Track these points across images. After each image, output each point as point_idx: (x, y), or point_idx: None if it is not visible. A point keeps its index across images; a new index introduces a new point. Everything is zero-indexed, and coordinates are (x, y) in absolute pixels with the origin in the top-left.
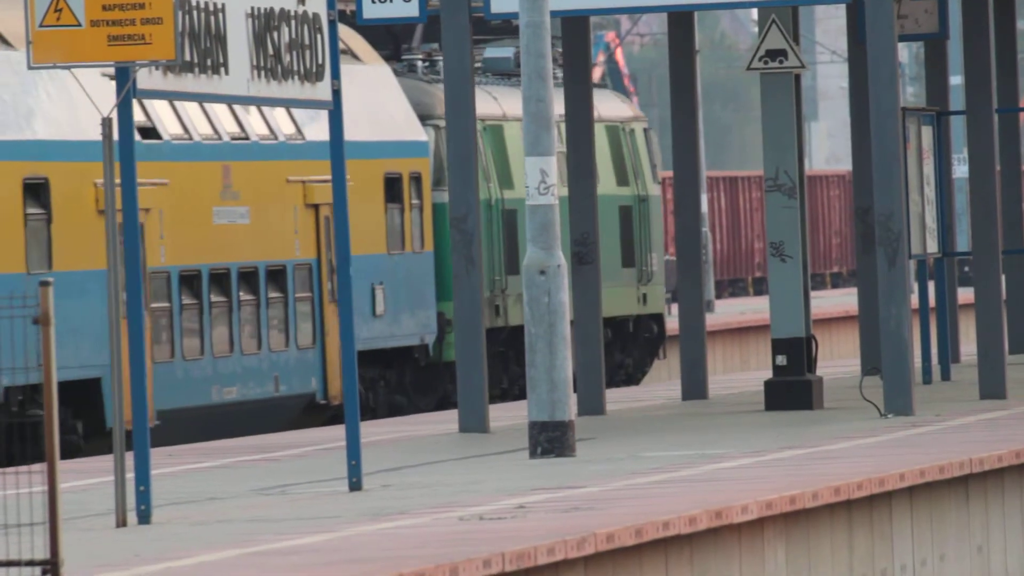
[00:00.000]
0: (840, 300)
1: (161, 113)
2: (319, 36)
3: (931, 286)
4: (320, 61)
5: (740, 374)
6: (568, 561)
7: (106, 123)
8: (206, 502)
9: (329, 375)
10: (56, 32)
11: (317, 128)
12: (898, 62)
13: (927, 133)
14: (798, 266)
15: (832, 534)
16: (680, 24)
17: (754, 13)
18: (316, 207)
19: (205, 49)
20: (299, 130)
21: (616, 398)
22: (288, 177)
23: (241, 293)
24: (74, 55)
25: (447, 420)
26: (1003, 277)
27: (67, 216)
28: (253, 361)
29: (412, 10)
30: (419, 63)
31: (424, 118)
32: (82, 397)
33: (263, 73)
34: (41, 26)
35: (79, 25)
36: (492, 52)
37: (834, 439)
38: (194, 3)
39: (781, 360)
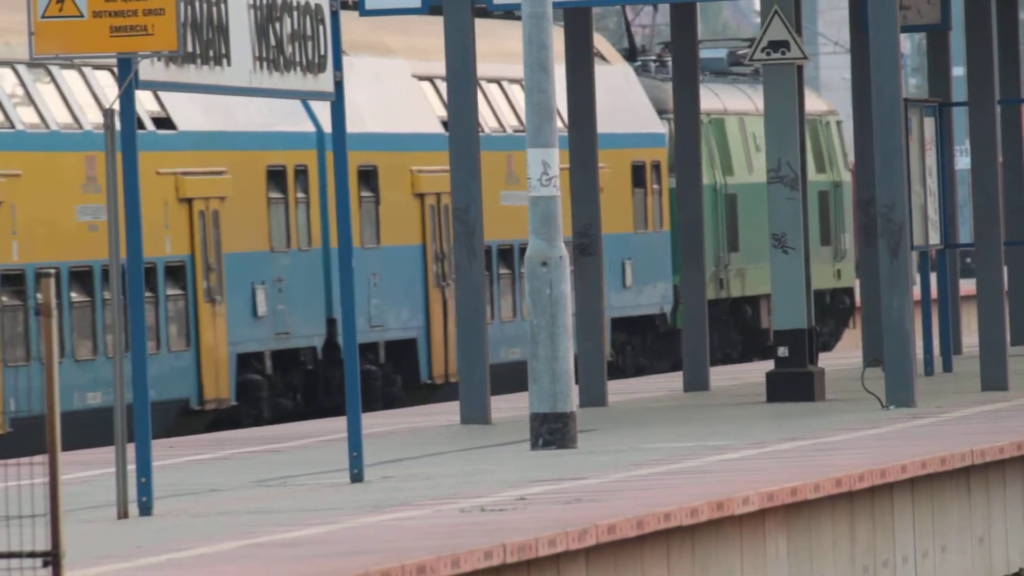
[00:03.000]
0: None
1: None
2: (321, 27)
3: (933, 277)
4: (322, 52)
5: (741, 365)
6: (569, 553)
7: (108, 114)
8: (207, 494)
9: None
10: (58, 23)
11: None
12: (900, 53)
13: (929, 124)
14: (800, 258)
15: (834, 526)
16: (682, 15)
17: (756, 4)
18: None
19: (207, 40)
20: (564, 124)
21: (617, 389)
22: None
23: (520, 267)
24: (76, 46)
25: (449, 411)
26: (1005, 268)
27: (390, 198)
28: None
29: (414, 2)
30: (652, 63)
31: (660, 112)
32: (402, 355)
33: (265, 64)
34: (43, 17)
35: (81, 16)
36: (706, 53)
37: (836, 431)
38: None
39: (783, 351)
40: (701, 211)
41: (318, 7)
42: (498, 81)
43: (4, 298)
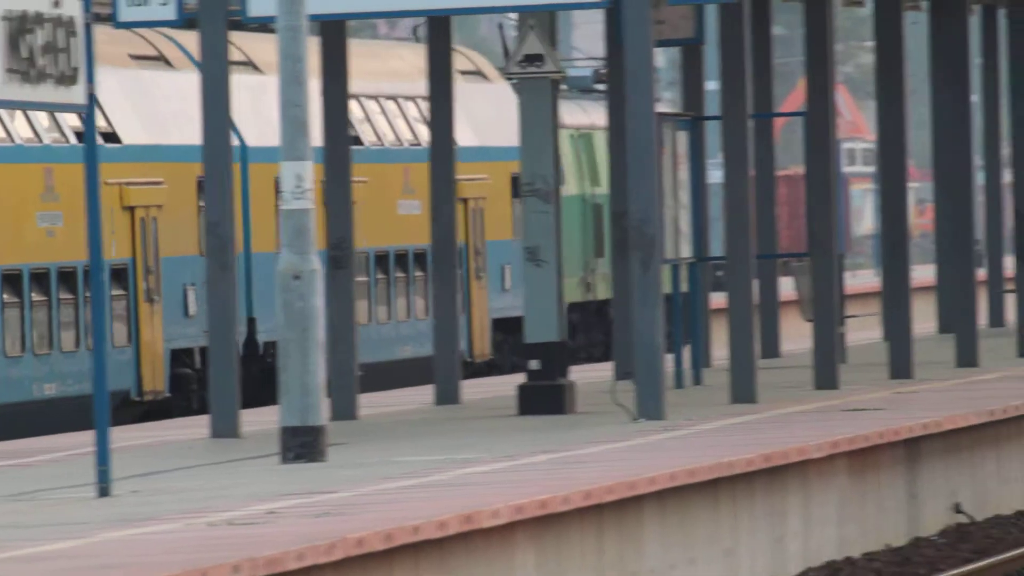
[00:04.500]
0: None
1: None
2: (74, 39)
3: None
4: (75, 64)
5: (494, 378)
6: (318, 566)
7: None
8: None
9: (474, 338)
10: None
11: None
12: (654, 67)
13: (683, 138)
14: (552, 271)
15: (582, 538)
16: (438, 29)
17: (513, 17)
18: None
19: None
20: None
21: (369, 403)
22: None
23: (414, 270)
24: None
25: (198, 425)
26: (755, 282)
27: None
28: (423, 326)
29: (169, 13)
30: None
31: None
32: None
33: (17, 76)
34: None
35: None
36: (573, 72)
37: (586, 444)
38: None
39: (534, 364)
40: (455, 226)
41: (71, 20)
42: (394, 98)
43: None
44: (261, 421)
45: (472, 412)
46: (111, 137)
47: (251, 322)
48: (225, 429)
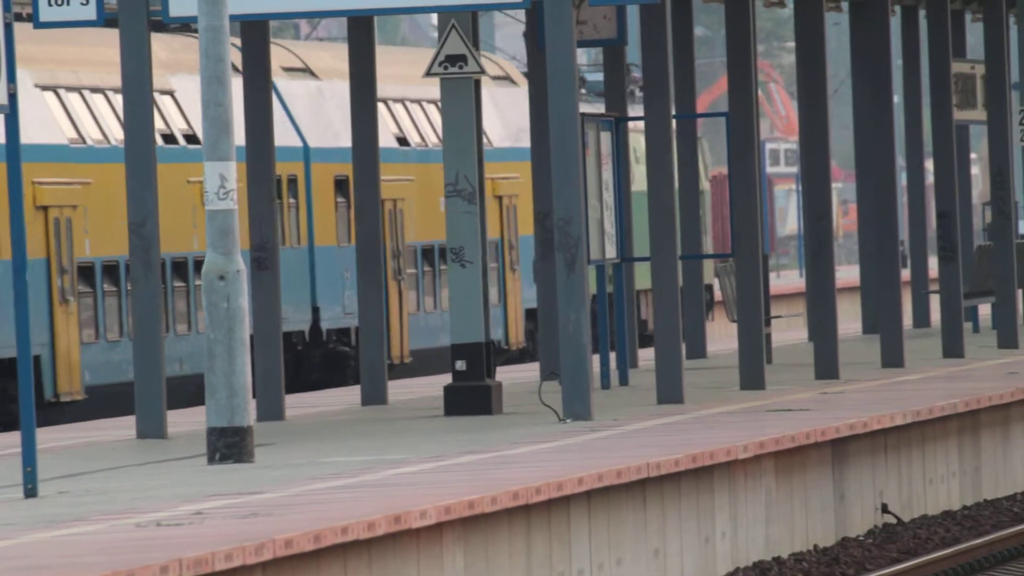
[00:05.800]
0: None
1: None
2: None
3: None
4: None
5: (419, 379)
6: (246, 567)
7: None
8: None
9: (510, 327)
10: None
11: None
12: (577, 67)
13: (606, 139)
14: (478, 271)
15: (510, 539)
16: (360, 28)
17: (434, 18)
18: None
19: None
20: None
21: (296, 404)
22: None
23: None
24: None
25: (125, 426)
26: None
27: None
28: None
29: (89, 13)
30: None
31: None
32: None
33: None
34: None
35: None
36: (591, 76)
37: (513, 444)
38: None
39: (460, 365)
40: (379, 227)
41: None
42: (435, 102)
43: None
44: (188, 422)
45: (399, 413)
46: (192, 139)
47: (315, 311)
48: (151, 430)
